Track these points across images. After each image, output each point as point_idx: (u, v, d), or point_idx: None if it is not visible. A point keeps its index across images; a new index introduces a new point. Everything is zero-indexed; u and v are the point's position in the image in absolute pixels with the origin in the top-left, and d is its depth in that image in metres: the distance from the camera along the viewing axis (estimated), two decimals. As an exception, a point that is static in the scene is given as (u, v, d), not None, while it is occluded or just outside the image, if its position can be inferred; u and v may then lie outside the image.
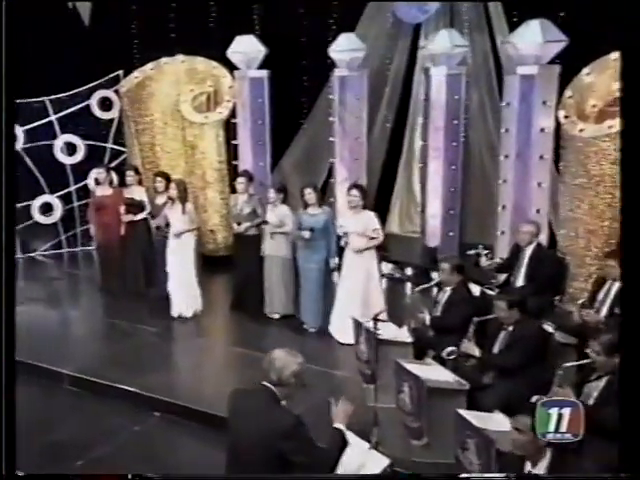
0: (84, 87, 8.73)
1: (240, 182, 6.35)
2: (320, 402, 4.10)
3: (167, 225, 6.31)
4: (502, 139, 6.53)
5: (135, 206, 6.91)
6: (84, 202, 8.74)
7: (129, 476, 2.38)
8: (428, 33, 7.73)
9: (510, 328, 4.01)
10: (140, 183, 7.08)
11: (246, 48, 7.88)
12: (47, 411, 4.85)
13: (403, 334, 5.11)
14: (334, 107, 8.03)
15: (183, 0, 8.72)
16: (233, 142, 8.39)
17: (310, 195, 5.76)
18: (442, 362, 4.18)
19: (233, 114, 8.28)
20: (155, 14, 8.88)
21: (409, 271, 7.59)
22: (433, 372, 3.78)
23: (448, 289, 4.67)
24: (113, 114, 8.90)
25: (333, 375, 5.07)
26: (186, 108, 8.38)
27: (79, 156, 8.84)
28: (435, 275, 7.15)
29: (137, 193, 6.94)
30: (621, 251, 2.21)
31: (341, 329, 5.47)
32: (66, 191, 8.94)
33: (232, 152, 8.52)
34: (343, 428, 2.79)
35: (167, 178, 6.66)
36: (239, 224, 6.35)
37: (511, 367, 3.84)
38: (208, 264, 7.92)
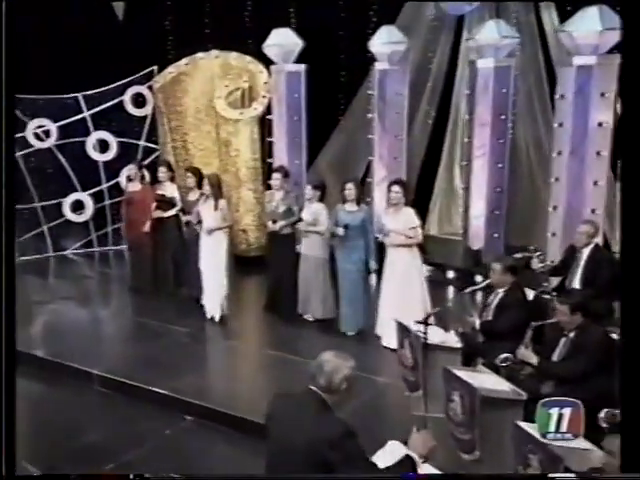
0: (118, 83, 8.69)
1: (276, 178, 6.18)
2: (360, 410, 3.94)
3: (199, 222, 6.17)
4: (555, 134, 6.23)
5: (166, 203, 6.79)
6: (116, 200, 8.71)
7: (131, 476, 2.34)
8: (472, 25, 7.48)
9: (572, 334, 3.74)
10: (172, 180, 6.97)
11: (282, 41, 7.74)
12: (76, 412, 4.73)
13: (451, 339, 4.85)
14: (373, 103, 7.84)
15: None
16: (268, 139, 8.25)
17: (350, 190, 5.55)
18: (493, 370, 3.91)
19: (268, 110, 8.15)
20: (189, 9, 8.84)
21: (451, 274, 7.32)
22: (486, 380, 3.53)
23: (500, 291, 4.40)
24: (146, 111, 8.85)
25: (375, 381, 4.85)
26: (220, 104, 8.26)
27: (111, 153, 8.80)
28: (479, 278, 6.89)
29: (169, 189, 6.83)
30: (621, 251, 2.17)
31: (387, 333, 5.24)
32: (98, 189, 8.92)
33: (267, 150, 8.39)
34: (416, 458, 2.51)
35: (199, 174, 6.53)
36: (274, 222, 6.18)
37: (573, 377, 3.58)
38: (240, 265, 7.80)
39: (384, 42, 7.51)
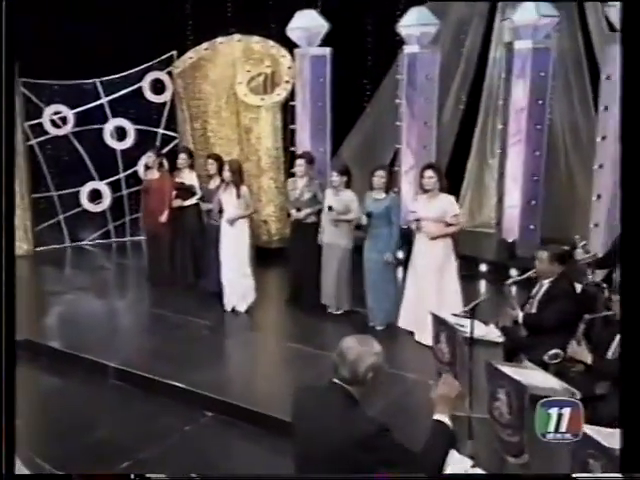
0: (136, 68, 8.53)
1: (299, 164, 5.95)
2: (389, 408, 3.70)
3: (220, 211, 5.96)
4: (600, 118, 5.91)
5: (185, 191, 6.59)
6: (134, 190, 8.56)
7: (132, 476, 2.32)
8: (506, 5, 7.17)
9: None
10: (192, 167, 6.77)
11: (307, 24, 7.49)
12: (91, 407, 4.55)
13: (493, 332, 4.58)
14: (401, 88, 7.57)
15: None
16: (291, 127, 8.02)
17: (380, 178, 5.29)
18: (540, 366, 3.63)
19: (292, 96, 7.92)
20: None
21: (483, 267, 7.03)
22: (535, 377, 3.26)
23: (546, 282, 4.11)
24: (165, 97, 8.68)
25: (405, 378, 4.59)
26: (242, 89, 8.05)
27: (129, 141, 8.64)
28: (514, 272, 6.61)
29: (188, 177, 6.63)
30: (621, 252, 2.19)
31: (420, 328, 4.99)
32: (115, 178, 8.76)
33: (289, 137, 8.17)
34: (447, 420, 2.22)
35: (219, 160, 6.32)
36: (298, 210, 5.94)
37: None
38: (261, 256, 7.57)
39: (414, 24, 7.24)
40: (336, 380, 2.24)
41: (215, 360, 5.12)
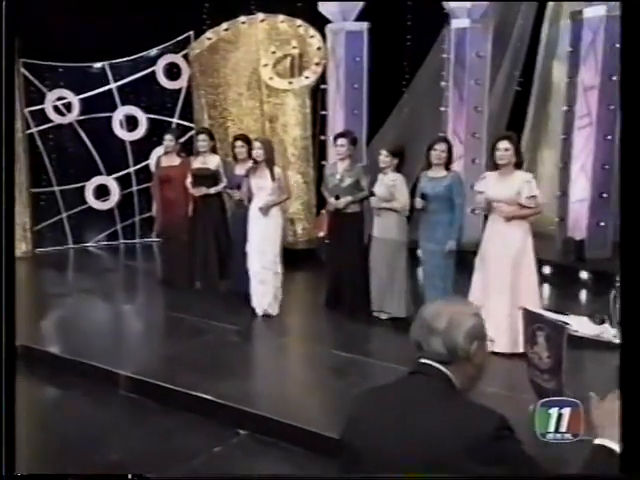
0: (149, 51, 8.03)
1: (341, 144, 5.33)
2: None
3: (249, 199, 5.37)
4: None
5: (208, 178, 5.99)
6: (145, 186, 8.01)
7: (129, 476, 2.30)
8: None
9: None
10: (214, 151, 6.19)
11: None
12: (98, 422, 3.91)
13: (608, 331, 3.87)
14: (448, 69, 7.02)
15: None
16: (322, 113, 7.47)
17: (441, 153, 4.68)
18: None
19: (322, 80, 7.38)
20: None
21: (547, 270, 6.36)
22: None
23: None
24: (181, 83, 8.15)
25: (490, 395, 3.91)
26: (267, 72, 7.55)
27: (141, 132, 8.10)
28: (584, 275, 5.97)
29: (212, 162, 6.03)
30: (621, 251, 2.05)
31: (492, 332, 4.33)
32: (124, 172, 8.20)
33: (319, 126, 7.62)
34: (616, 447, 1.64)
35: (250, 143, 5.75)
36: (337, 198, 5.33)
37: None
38: (286, 259, 6.95)
39: (463, -6, 6.71)
40: (425, 360, 1.62)
41: (246, 369, 4.48)
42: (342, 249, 5.41)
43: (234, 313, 5.35)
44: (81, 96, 7.85)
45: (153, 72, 8.05)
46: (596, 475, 1.98)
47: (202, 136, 6.05)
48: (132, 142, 8.12)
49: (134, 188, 8.27)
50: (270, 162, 5.21)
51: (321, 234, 6.66)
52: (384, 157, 5.03)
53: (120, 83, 8.04)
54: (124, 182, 8.20)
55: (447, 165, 4.76)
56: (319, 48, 7.46)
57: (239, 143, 5.77)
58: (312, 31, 7.56)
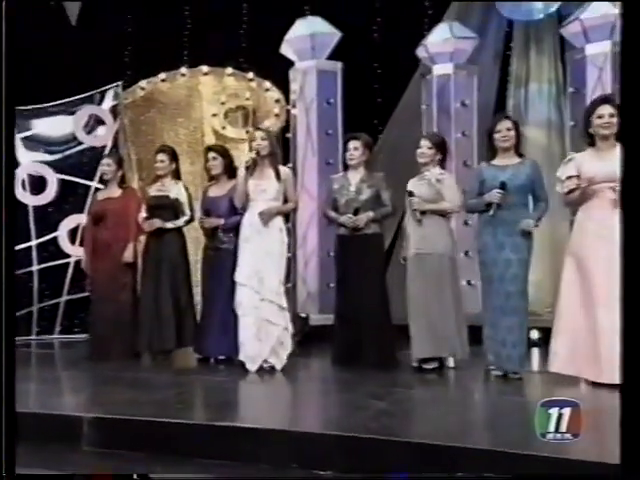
0: (65, 100, 7.07)
1: (354, 147, 4.57)
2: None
3: (244, 208, 4.36)
4: None
5: (166, 209, 4.93)
6: (49, 265, 6.67)
7: (134, 476, 2.37)
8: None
9: None
10: (177, 176, 5.15)
11: (312, 31, 6.57)
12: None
13: None
14: (429, 120, 6.68)
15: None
16: (288, 165, 6.71)
17: (507, 132, 3.99)
18: None
19: (286, 129, 6.76)
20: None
21: None
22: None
23: None
24: (104, 140, 7.13)
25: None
26: (218, 122, 6.91)
27: (49, 195, 6.83)
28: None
29: (172, 189, 4.99)
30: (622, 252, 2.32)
31: (585, 363, 3.55)
32: (24, 246, 6.77)
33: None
34: None
35: (226, 155, 4.89)
36: (355, 213, 4.42)
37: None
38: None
39: (447, 37, 6.56)
40: None
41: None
42: (360, 282, 4.41)
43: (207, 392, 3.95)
44: (-26, 148, 6.58)
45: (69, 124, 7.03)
46: (596, 475, 2.22)
47: (161, 155, 5.05)
48: (36, 208, 6.82)
49: (34, 267, 6.82)
50: (275, 158, 4.30)
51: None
52: (426, 149, 4.31)
53: (25, 134, 6.92)
54: (22, 259, 6.73)
55: (517, 149, 4.06)
56: (277, 100, 6.93)
57: (212, 155, 4.84)
58: (268, 84, 7.09)
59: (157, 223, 4.83)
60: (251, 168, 4.29)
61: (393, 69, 7.20)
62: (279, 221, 4.31)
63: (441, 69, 6.63)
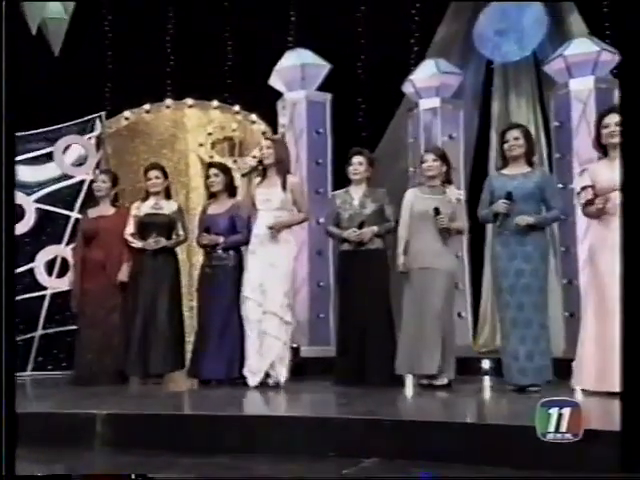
0: (46, 129, 7.00)
1: (358, 162, 4.63)
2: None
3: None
4: None
5: (160, 227, 4.88)
6: (25, 297, 6.44)
7: (132, 476, 2.39)
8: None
9: None
10: (168, 195, 5.11)
11: (303, 60, 6.72)
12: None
13: None
14: (415, 154, 6.81)
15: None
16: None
17: (515, 141, 4.09)
18: None
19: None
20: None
21: None
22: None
23: None
24: (86, 170, 7.04)
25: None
26: (205, 151, 6.92)
27: (26, 225, 6.64)
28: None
29: (166, 206, 4.94)
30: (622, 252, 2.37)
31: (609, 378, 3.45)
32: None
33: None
34: None
35: (226, 171, 4.89)
36: (360, 226, 4.43)
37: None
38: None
39: (433, 73, 6.79)
40: None
41: None
42: (363, 300, 4.38)
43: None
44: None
45: (50, 154, 6.93)
46: (596, 475, 2.26)
47: (155, 172, 5.02)
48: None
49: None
50: (282, 167, 4.31)
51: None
52: (432, 162, 4.37)
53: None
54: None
55: (529, 158, 4.15)
56: (264, 132, 7.02)
57: (213, 171, 4.84)
58: (254, 117, 7.19)
59: (162, 242, 4.76)
60: (259, 176, 4.30)
61: (377, 104, 7.39)
62: (285, 233, 4.29)
63: (428, 103, 6.83)
